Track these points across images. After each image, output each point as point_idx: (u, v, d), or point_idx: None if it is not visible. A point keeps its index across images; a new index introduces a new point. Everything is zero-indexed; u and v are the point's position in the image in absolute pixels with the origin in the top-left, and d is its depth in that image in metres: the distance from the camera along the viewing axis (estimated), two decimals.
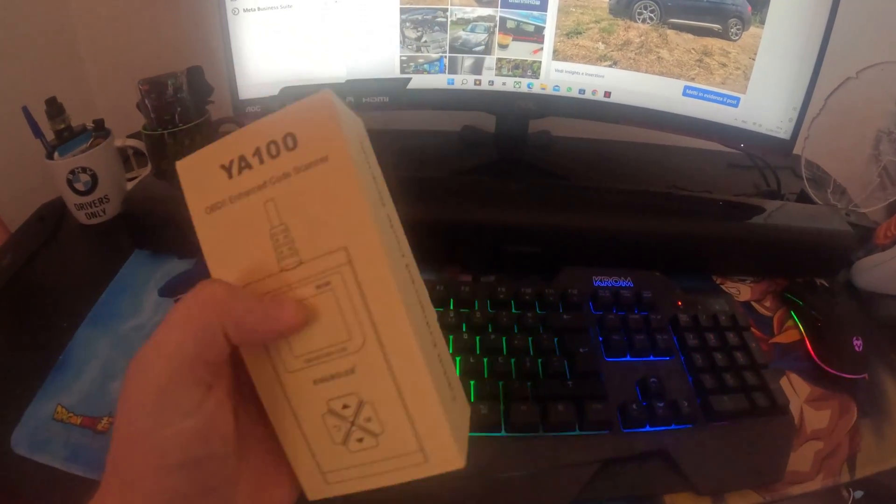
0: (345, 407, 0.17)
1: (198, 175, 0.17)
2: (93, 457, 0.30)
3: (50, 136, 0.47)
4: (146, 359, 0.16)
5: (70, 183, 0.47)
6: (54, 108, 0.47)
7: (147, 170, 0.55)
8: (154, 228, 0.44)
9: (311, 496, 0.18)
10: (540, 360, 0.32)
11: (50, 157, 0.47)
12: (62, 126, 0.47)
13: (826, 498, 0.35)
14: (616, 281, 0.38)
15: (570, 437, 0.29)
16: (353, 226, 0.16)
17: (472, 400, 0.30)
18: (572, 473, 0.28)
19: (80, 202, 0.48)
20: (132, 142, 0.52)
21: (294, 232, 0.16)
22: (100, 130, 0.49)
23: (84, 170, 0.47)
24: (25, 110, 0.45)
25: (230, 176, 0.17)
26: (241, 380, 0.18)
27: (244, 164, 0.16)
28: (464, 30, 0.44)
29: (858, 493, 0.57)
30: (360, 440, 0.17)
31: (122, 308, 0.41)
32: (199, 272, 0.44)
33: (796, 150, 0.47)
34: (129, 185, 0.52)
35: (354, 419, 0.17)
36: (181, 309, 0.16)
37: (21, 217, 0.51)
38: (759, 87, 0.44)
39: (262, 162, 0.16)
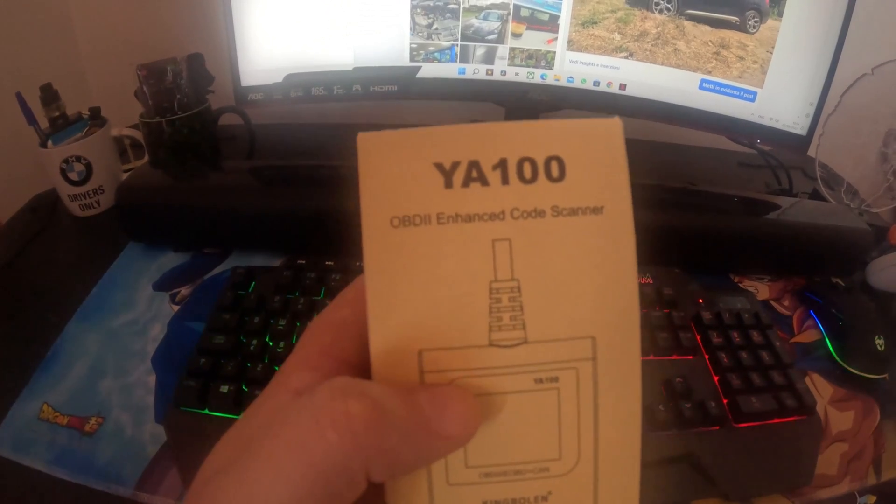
0: None
1: (393, 164, 0.12)
2: (78, 460, 0.29)
3: (44, 123, 0.45)
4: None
5: (64, 172, 0.45)
6: (49, 95, 0.45)
7: (144, 161, 0.53)
8: (149, 220, 0.42)
9: None
10: None
11: (43, 145, 0.45)
12: (57, 113, 0.45)
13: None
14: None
15: None
16: (612, 309, 0.12)
17: None
18: None
19: (74, 193, 0.46)
20: (129, 131, 0.50)
21: (528, 296, 0.12)
22: (95, 119, 0.48)
23: (78, 159, 0.45)
24: (19, 96, 0.43)
25: (449, 185, 0.12)
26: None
27: (476, 176, 0.12)
28: (476, 17, 0.43)
29: (864, 500, 0.56)
30: None
31: (115, 302, 0.39)
32: (197, 265, 0.43)
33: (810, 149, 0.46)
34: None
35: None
36: (295, 436, 0.10)
37: (13, 208, 0.49)
38: (776, 82, 0.43)
39: (505, 182, 0.12)
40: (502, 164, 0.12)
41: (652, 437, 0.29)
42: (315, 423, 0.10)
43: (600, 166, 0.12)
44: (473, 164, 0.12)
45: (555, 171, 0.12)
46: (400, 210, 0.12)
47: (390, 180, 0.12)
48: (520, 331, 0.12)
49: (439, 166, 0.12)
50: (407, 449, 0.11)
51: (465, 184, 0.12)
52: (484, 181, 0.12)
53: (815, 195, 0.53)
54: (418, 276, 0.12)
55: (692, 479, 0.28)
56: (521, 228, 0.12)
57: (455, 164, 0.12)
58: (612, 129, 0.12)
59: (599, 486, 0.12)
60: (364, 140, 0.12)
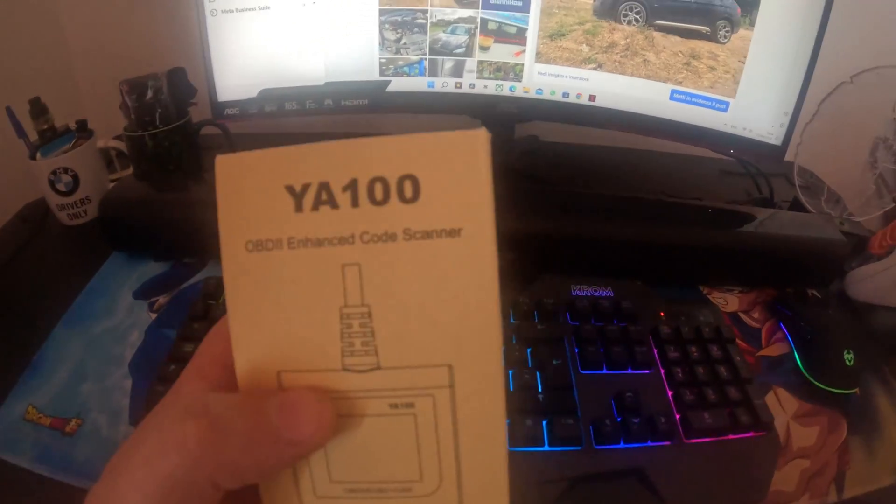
0: None
1: (247, 188, 0.11)
2: (59, 458, 0.30)
3: (33, 136, 0.47)
4: None
5: (52, 183, 0.47)
6: (38, 108, 0.47)
7: (130, 172, 0.55)
8: (130, 230, 0.43)
9: None
10: (511, 372, 0.31)
11: (33, 157, 0.46)
12: (45, 126, 0.47)
13: None
14: (596, 290, 0.37)
15: (537, 452, 0.28)
16: (471, 337, 0.11)
17: None
18: (540, 492, 0.27)
19: (62, 203, 0.48)
20: (115, 143, 0.52)
21: (379, 322, 0.11)
22: (83, 131, 0.49)
23: (66, 170, 0.47)
24: (9, 110, 0.45)
25: (299, 208, 0.11)
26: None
27: (326, 198, 0.11)
28: (444, 31, 0.43)
29: None
30: None
31: (97, 310, 0.40)
32: (175, 275, 0.44)
33: (789, 157, 0.46)
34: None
35: None
36: (148, 455, 0.11)
37: (4, 217, 0.51)
38: (749, 92, 0.43)
39: (355, 204, 0.11)
40: (352, 186, 0.11)
41: (598, 451, 0.29)
42: (161, 444, 0.11)
43: (458, 184, 0.11)
44: (323, 186, 0.11)
45: (408, 191, 0.11)
46: (254, 234, 0.11)
47: (245, 204, 0.12)
48: (372, 357, 0.11)
49: (290, 189, 0.11)
50: (251, 458, 0.11)
51: (315, 207, 0.11)
52: (333, 204, 0.11)
53: (797, 203, 0.52)
54: (273, 299, 0.11)
55: (639, 495, 0.28)
56: (372, 253, 0.11)
57: (306, 187, 0.11)
58: (474, 142, 0.11)
59: (465, 501, 0.12)
60: (221, 163, 0.12)
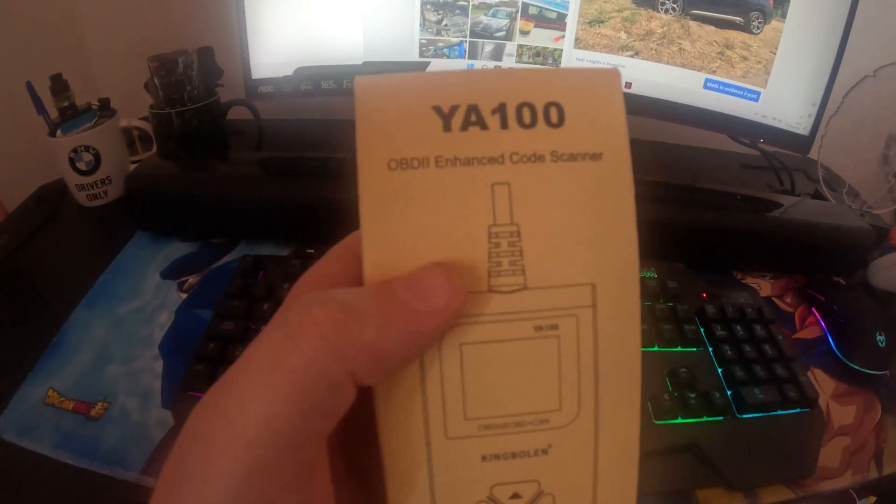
0: (514, 496, 0.12)
1: (390, 107, 0.11)
2: (83, 444, 0.29)
3: (54, 113, 0.45)
4: (213, 434, 0.10)
5: (72, 162, 0.45)
6: (59, 85, 0.45)
7: (152, 153, 0.54)
8: (157, 209, 0.42)
9: None
10: None
11: (52, 134, 0.45)
12: (66, 104, 0.46)
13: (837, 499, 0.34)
14: (640, 271, 0.37)
15: None
16: (612, 257, 0.11)
17: None
18: None
19: (82, 182, 0.47)
20: (138, 123, 0.50)
21: (527, 241, 0.11)
22: (105, 110, 0.48)
23: (87, 149, 0.45)
24: (29, 85, 0.43)
25: (448, 128, 0.11)
26: (346, 449, 0.12)
27: (475, 120, 0.11)
28: (485, 14, 0.43)
29: (863, 502, 0.56)
30: None
31: (121, 290, 0.39)
32: (205, 255, 0.43)
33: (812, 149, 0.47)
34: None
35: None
36: (270, 349, 0.10)
37: (20, 197, 0.49)
38: (779, 82, 0.44)
39: (504, 126, 0.11)
40: (501, 109, 0.11)
41: (656, 427, 0.29)
42: (287, 339, 0.10)
43: (599, 113, 0.11)
44: (472, 108, 0.11)
45: (554, 117, 0.11)
46: (397, 153, 0.11)
47: (387, 123, 0.11)
48: (519, 276, 0.11)
49: (438, 109, 0.11)
50: (389, 337, 0.10)
51: (464, 127, 0.11)
52: (483, 125, 0.11)
53: (817, 197, 0.53)
54: (416, 219, 0.11)
55: (697, 469, 0.28)
56: (521, 172, 0.11)
57: (454, 108, 0.11)
58: (612, 77, 0.12)
59: (600, 438, 0.12)
60: (361, 83, 0.11)
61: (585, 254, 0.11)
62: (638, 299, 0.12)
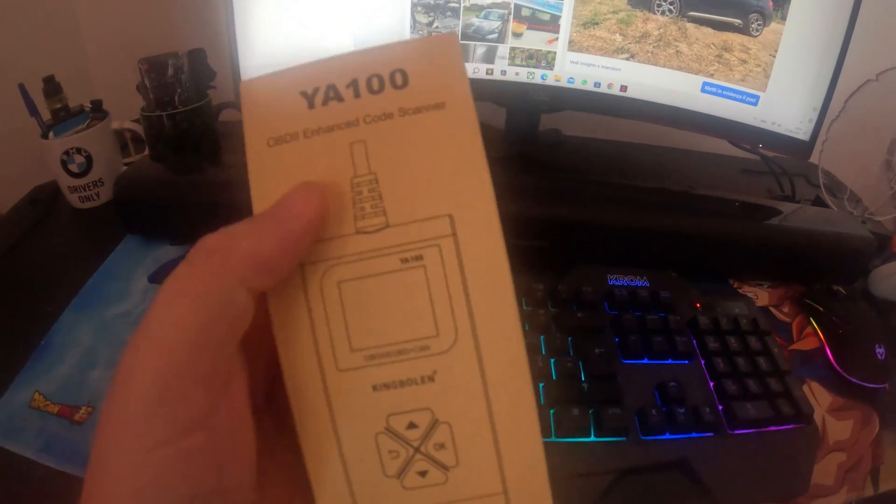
0: (411, 426, 0.13)
1: (267, 98, 0.14)
2: (67, 448, 0.29)
3: (46, 115, 0.45)
4: (135, 353, 0.11)
5: (64, 164, 0.45)
6: (52, 87, 0.45)
7: (144, 155, 0.53)
8: (146, 212, 0.42)
9: None
10: (553, 360, 0.30)
11: (45, 136, 0.45)
12: (59, 105, 0.45)
13: None
14: (631, 280, 0.36)
15: (584, 443, 0.27)
16: (465, 189, 0.13)
17: None
18: (587, 484, 0.26)
19: (74, 184, 0.46)
20: (130, 125, 0.50)
21: (385, 186, 0.13)
22: (97, 112, 0.48)
23: (79, 150, 0.45)
24: (22, 87, 0.43)
25: (311, 106, 0.13)
26: (257, 378, 0.14)
27: (333, 95, 0.13)
28: (477, 16, 0.43)
29: None
30: (423, 473, 0.13)
31: (109, 294, 0.39)
32: None
33: (813, 154, 0.46)
34: None
35: (421, 444, 0.13)
36: (174, 279, 0.12)
37: (13, 199, 0.49)
38: (779, 86, 0.43)
39: (357, 96, 0.13)
40: (354, 83, 0.13)
41: (644, 443, 0.28)
42: (186, 265, 0.12)
43: (439, 71, 0.13)
44: (330, 87, 0.13)
45: (399, 81, 0.13)
46: (273, 132, 0.13)
47: (265, 111, 0.14)
48: (381, 217, 0.13)
49: (303, 93, 0.13)
50: (263, 243, 0.12)
51: (325, 103, 0.13)
52: (339, 98, 0.13)
53: (818, 202, 0.52)
54: (292, 181, 0.13)
55: (685, 487, 0.28)
56: (374, 130, 0.13)
57: (316, 89, 0.13)
58: (448, 39, 0.14)
59: (484, 360, 0.13)
60: (245, 85, 0.14)
61: (440, 189, 0.13)
62: (497, 224, 0.13)
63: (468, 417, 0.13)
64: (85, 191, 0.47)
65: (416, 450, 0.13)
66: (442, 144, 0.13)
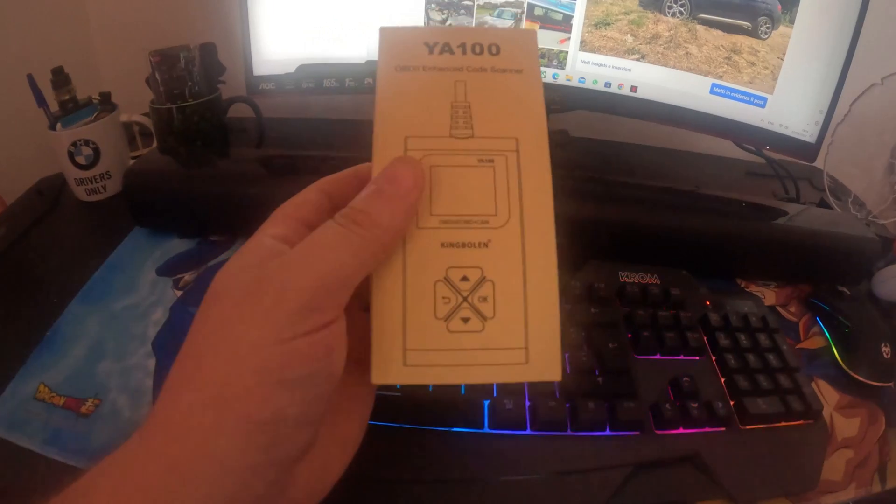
0: (463, 279, 0.16)
1: (399, 41, 0.19)
2: (73, 440, 0.28)
3: (54, 107, 0.45)
4: (290, 266, 0.15)
5: (71, 156, 0.45)
6: (60, 78, 0.45)
7: (152, 148, 0.53)
8: (155, 205, 0.42)
9: (377, 378, 0.16)
10: (567, 355, 0.30)
11: (52, 127, 0.44)
12: (67, 97, 0.45)
13: None
14: (642, 277, 0.37)
15: (599, 437, 0.28)
16: (529, 124, 0.18)
17: (495, 395, 0.28)
18: (603, 477, 0.27)
19: (81, 177, 0.46)
20: (139, 118, 0.50)
21: (475, 110, 0.18)
22: (106, 104, 0.48)
23: (87, 142, 0.45)
24: (30, 78, 0.43)
25: (431, 52, 0.19)
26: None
27: (447, 49, 0.19)
28: (490, 15, 0.43)
29: None
30: (466, 320, 0.16)
31: (117, 286, 0.39)
32: (201, 253, 0.42)
33: (818, 157, 0.46)
34: None
35: (469, 295, 0.16)
36: (331, 235, 0.16)
37: (19, 190, 0.49)
38: (786, 88, 0.44)
39: (464, 53, 0.19)
40: (462, 45, 0.19)
41: (657, 437, 0.28)
42: (326, 229, 0.16)
43: (521, 48, 0.19)
44: (446, 44, 0.19)
45: (494, 50, 0.19)
46: (401, 62, 0.19)
47: (397, 47, 0.19)
48: (469, 129, 0.18)
49: (426, 44, 0.19)
50: (386, 217, 0.16)
51: (441, 52, 0.19)
52: (451, 52, 0.19)
53: (823, 205, 0.53)
54: (410, 98, 0.18)
55: (697, 480, 0.28)
56: (472, 76, 0.19)
57: (436, 43, 0.19)
58: (530, 32, 0.21)
59: (526, 239, 0.17)
60: (385, 28, 0.19)
61: (512, 121, 0.18)
62: (547, 151, 0.18)
63: (508, 281, 0.16)
64: (92, 183, 0.47)
65: (465, 299, 0.16)
66: (516, 93, 0.18)
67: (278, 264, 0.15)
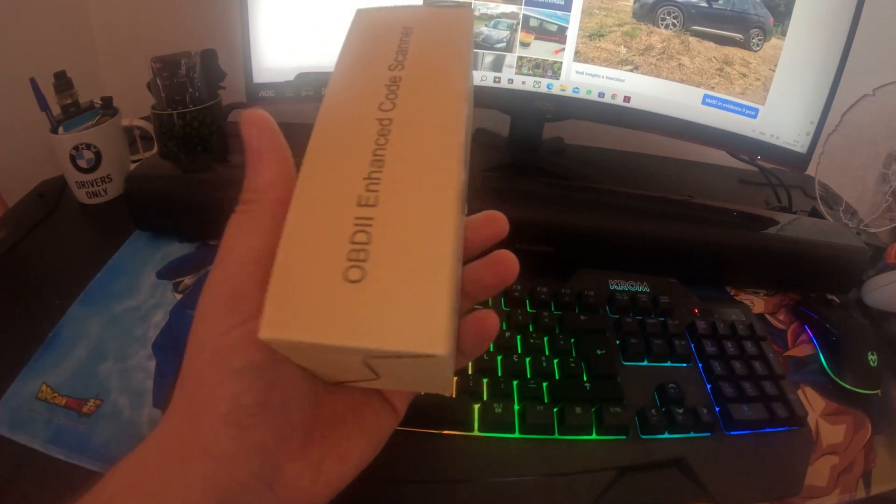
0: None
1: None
2: (75, 440, 0.29)
3: (56, 110, 0.46)
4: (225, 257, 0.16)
5: (73, 159, 0.46)
6: (63, 82, 0.45)
7: (153, 153, 0.54)
8: (156, 209, 0.42)
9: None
10: (556, 361, 0.31)
11: (54, 131, 0.45)
12: (69, 101, 0.46)
13: None
14: (632, 285, 0.37)
15: (586, 441, 0.28)
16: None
17: (486, 398, 0.29)
18: (589, 480, 0.27)
19: (82, 180, 0.47)
20: (140, 122, 0.51)
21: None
22: (107, 108, 0.48)
23: (88, 146, 0.46)
24: (33, 82, 0.44)
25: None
26: None
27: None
28: (486, 25, 0.44)
29: None
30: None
31: (117, 288, 0.39)
32: (201, 256, 0.43)
33: (810, 167, 0.47)
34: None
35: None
36: (232, 224, 0.16)
37: (21, 192, 0.49)
38: (778, 99, 0.44)
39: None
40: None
41: (643, 441, 0.29)
42: (245, 202, 0.17)
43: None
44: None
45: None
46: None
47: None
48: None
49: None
50: (258, 181, 0.17)
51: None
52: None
53: (814, 214, 0.53)
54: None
55: (682, 484, 0.28)
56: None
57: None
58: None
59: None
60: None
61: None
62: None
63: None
64: (93, 186, 0.47)
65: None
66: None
67: (215, 263, 0.16)
